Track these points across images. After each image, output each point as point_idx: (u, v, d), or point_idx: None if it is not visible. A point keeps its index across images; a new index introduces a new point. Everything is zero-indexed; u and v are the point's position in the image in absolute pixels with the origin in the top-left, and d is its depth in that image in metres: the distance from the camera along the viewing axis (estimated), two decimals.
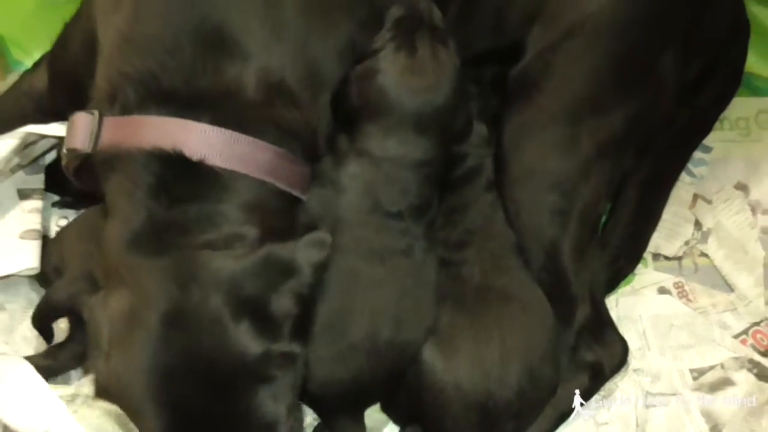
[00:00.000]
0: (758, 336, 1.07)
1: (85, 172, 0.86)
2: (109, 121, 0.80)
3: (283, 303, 0.76)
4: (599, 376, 1.01)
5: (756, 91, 1.25)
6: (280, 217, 0.83)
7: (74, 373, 1.03)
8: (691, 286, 1.12)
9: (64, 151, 0.85)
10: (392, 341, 0.87)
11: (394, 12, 0.91)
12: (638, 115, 0.98)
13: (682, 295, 1.11)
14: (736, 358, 1.07)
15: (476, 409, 0.90)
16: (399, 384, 0.92)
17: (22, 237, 1.07)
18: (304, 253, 0.78)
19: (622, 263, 1.09)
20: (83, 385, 0.96)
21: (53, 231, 1.12)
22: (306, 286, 0.77)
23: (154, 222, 0.78)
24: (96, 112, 0.81)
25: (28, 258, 1.04)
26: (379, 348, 0.87)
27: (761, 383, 1.04)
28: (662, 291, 1.12)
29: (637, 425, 1.02)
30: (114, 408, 0.96)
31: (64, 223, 1.13)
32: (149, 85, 0.79)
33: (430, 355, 0.91)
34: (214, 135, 0.79)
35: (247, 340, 0.74)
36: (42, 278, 1.05)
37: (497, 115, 1.01)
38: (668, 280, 1.13)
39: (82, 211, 1.12)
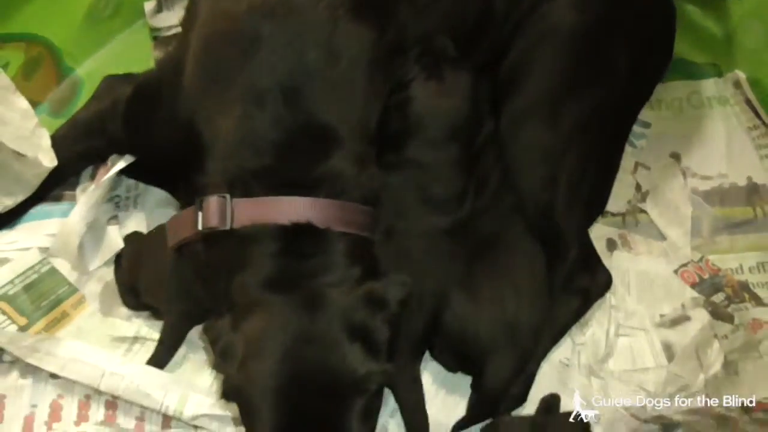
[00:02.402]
0: (685, 275, 1.26)
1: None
2: (240, 202, 0.95)
3: (382, 330, 0.92)
4: (588, 299, 1.20)
5: (689, 75, 1.45)
6: (368, 254, 0.99)
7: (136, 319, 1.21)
8: (633, 237, 1.30)
9: (200, 228, 0.97)
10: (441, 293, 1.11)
11: (417, 50, 1.11)
12: (603, 96, 1.17)
13: (625, 244, 1.29)
14: (694, 298, 1.24)
15: (506, 331, 1.10)
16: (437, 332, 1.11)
17: (108, 223, 1.27)
18: (391, 290, 0.94)
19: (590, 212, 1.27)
20: (143, 328, 1.19)
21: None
22: (394, 316, 0.92)
23: (287, 271, 0.93)
24: (227, 196, 0.95)
25: (118, 239, 1.24)
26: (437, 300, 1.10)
27: (714, 321, 1.21)
28: (610, 241, 1.28)
29: (606, 346, 1.18)
30: None
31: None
32: (271, 177, 0.95)
33: (458, 300, 1.11)
34: (334, 208, 0.95)
35: (357, 360, 0.89)
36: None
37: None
38: (614, 232, 1.30)
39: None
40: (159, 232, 1.12)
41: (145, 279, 1.16)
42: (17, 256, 1.21)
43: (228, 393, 0.92)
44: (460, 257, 1.13)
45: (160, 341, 1.14)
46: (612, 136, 1.26)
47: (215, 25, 1.01)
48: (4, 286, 1.18)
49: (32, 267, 1.21)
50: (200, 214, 0.97)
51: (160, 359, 1.13)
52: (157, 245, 1.12)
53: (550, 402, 1.12)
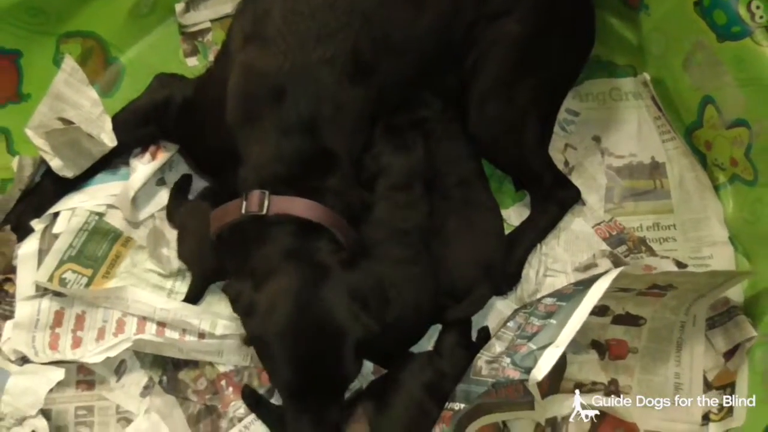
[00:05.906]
0: (599, 231, 1.53)
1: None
2: (275, 197, 1.20)
3: (376, 299, 1.17)
4: (563, 206, 1.50)
5: (611, 74, 1.68)
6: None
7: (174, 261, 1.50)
8: None
9: (243, 212, 1.21)
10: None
11: (382, 125, 1.41)
12: (543, 76, 1.44)
13: None
14: (602, 250, 1.51)
15: (483, 267, 1.39)
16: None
17: (156, 184, 1.56)
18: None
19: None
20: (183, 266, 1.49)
21: None
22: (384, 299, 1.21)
23: (300, 246, 1.18)
24: (267, 192, 1.20)
25: (163, 196, 1.54)
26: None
27: (612, 266, 1.47)
28: None
29: (536, 283, 1.47)
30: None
31: None
32: (294, 183, 1.22)
33: (444, 252, 1.38)
34: (332, 215, 1.22)
35: (353, 313, 1.13)
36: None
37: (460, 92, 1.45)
38: None
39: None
40: (200, 216, 1.36)
41: (186, 246, 1.45)
42: (65, 224, 1.47)
43: (251, 340, 1.16)
44: (430, 276, 1.36)
45: (190, 289, 1.44)
46: (554, 97, 1.54)
47: (251, 78, 1.28)
48: (66, 251, 1.46)
49: (81, 227, 1.48)
50: (244, 203, 1.21)
51: (191, 300, 1.44)
52: (196, 226, 1.39)
53: (483, 333, 1.44)
